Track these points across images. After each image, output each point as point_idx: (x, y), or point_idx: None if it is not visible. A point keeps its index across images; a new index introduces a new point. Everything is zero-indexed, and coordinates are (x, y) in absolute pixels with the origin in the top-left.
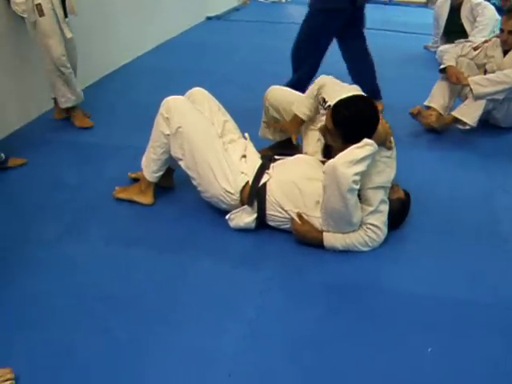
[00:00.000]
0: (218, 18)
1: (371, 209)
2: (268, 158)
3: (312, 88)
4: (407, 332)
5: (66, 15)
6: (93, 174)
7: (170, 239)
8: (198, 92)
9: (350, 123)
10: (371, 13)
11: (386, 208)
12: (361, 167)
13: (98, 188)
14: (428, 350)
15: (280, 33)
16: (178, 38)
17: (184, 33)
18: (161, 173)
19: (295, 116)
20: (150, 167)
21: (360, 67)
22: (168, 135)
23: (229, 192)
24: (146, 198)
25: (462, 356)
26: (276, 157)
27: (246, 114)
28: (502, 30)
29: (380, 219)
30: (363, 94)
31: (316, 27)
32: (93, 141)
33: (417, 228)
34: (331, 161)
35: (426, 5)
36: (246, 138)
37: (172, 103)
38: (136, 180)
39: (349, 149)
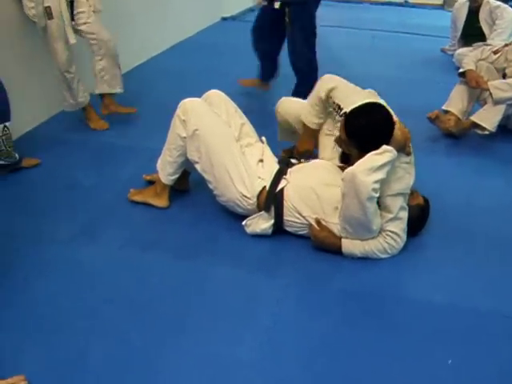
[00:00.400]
0: (233, 18)
1: (391, 216)
2: (285, 162)
3: (318, 92)
4: (426, 342)
5: (72, 18)
6: (108, 175)
7: (186, 244)
8: (215, 94)
9: (364, 134)
10: (387, 15)
11: (405, 215)
12: (380, 174)
13: (112, 189)
14: (448, 361)
15: None
16: (193, 39)
17: (199, 33)
18: (176, 176)
19: (306, 128)
20: (165, 170)
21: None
22: (184, 138)
23: (245, 196)
24: (161, 201)
25: (483, 368)
26: (293, 161)
27: (262, 117)
28: None
29: (399, 226)
30: (377, 99)
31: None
32: (108, 141)
33: (435, 235)
34: (350, 168)
35: (442, 7)
36: (263, 142)
37: (189, 105)
38: (151, 182)
39: (368, 155)
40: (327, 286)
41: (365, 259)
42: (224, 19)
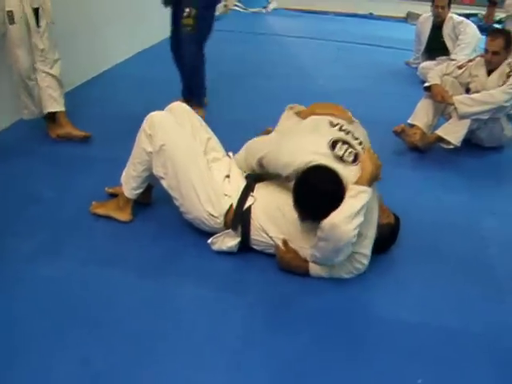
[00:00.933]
0: None
1: (361, 237)
2: (253, 177)
3: (250, 163)
4: (396, 361)
5: (38, 24)
6: (68, 187)
7: (150, 260)
8: (179, 106)
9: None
10: (352, 26)
11: (373, 233)
12: (360, 218)
13: (73, 203)
14: (418, 381)
15: (261, 44)
16: (159, 46)
17: (165, 40)
18: (140, 190)
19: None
20: (129, 184)
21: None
22: (150, 152)
23: (212, 215)
24: (124, 215)
25: None
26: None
27: (230, 129)
28: (486, 51)
29: (368, 246)
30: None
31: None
32: (68, 152)
33: (403, 252)
34: (328, 218)
35: (405, 20)
36: (230, 157)
37: (156, 119)
38: (113, 195)
39: (345, 201)
40: (294, 305)
41: (331, 279)
42: None
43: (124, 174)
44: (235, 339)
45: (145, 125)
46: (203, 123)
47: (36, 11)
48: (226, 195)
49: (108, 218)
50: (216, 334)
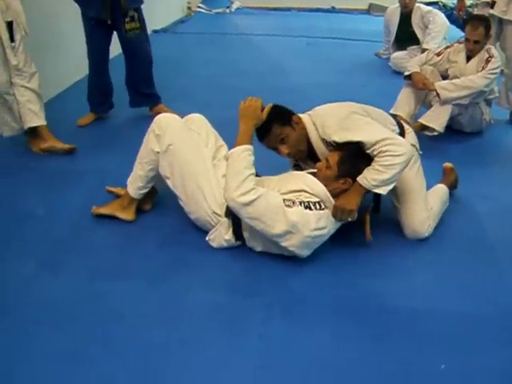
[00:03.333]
0: (164, 30)
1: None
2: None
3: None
4: (417, 349)
5: (12, 39)
6: (58, 202)
7: (157, 269)
8: (198, 118)
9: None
10: (317, 21)
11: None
12: None
13: (68, 217)
14: (442, 366)
15: (230, 44)
16: None
17: None
18: (145, 190)
19: None
20: (135, 183)
21: None
22: (158, 152)
23: (216, 214)
24: (128, 214)
25: (475, 370)
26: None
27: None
28: (467, 40)
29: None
30: None
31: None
32: (54, 166)
33: (403, 240)
34: None
35: (368, 12)
36: None
37: (164, 120)
38: (115, 195)
39: None
40: (309, 300)
41: (340, 272)
42: (155, 32)
43: (131, 175)
44: (257, 339)
45: (153, 126)
46: (217, 134)
47: (10, 25)
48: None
49: (112, 217)
50: (236, 337)
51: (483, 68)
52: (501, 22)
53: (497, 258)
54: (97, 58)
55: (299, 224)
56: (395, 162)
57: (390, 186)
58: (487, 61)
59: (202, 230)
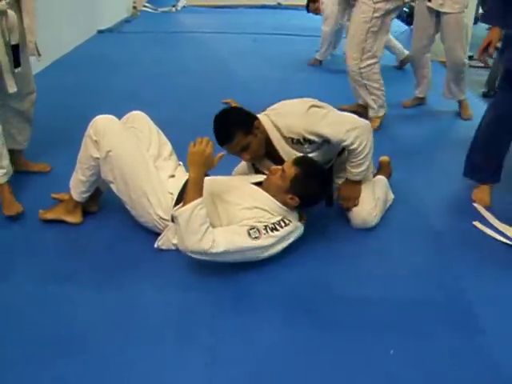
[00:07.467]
0: (110, 30)
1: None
2: None
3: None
4: (366, 337)
5: (17, 65)
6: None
7: (107, 270)
8: (139, 115)
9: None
10: (263, 17)
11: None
12: None
13: (16, 221)
14: (390, 352)
15: (177, 43)
16: (71, 54)
17: (77, 48)
18: (89, 193)
19: None
20: (78, 188)
21: None
22: (97, 158)
23: (163, 219)
24: (75, 217)
25: (424, 353)
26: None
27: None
28: None
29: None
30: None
31: None
32: None
33: (350, 230)
34: None
35: None
36: (181, 165)
37: (100, 124)
38: (59, 200)
39: None
40: (256, 293)
41: (289, 262)
42: (100, 32)
43: (72, 178)
44: (208, 335)
45: (90, 131)
46: (160, 131)
47: (13, 49)
48: (170, 193)
49: (58, 221)
50: (188, 333)
51: None
52: (438, 14)
53: (443, 243)
54: None
55: (272, 245)
56: (364, 153)
57: (371, 165)
58: None
59: (150, 230)
